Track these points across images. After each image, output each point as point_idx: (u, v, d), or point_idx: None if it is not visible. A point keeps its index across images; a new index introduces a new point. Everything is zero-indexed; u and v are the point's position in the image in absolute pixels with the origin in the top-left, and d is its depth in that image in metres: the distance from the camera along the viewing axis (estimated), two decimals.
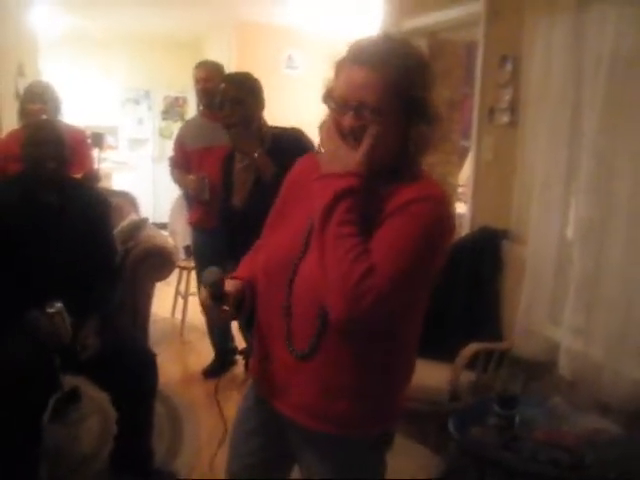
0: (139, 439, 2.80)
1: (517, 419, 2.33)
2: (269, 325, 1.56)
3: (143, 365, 2.74)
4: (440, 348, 2.91)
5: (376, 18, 4.91)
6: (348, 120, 1.40)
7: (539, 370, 2.92)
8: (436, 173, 4.74)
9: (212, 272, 1.55)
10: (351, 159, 1.39)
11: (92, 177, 3.93)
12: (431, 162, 4.73)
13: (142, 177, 8.82)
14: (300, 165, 1.67)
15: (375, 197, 1.41)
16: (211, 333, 4.23)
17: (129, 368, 2.67)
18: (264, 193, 2.89)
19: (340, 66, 1.45)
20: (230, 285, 1.58)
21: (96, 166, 5.08)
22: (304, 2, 6.18)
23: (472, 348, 2.89)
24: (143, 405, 2.75)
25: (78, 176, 3.78)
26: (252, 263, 1.68)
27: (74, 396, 3.46)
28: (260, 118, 3.22)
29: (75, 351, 2.64)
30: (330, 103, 1.46)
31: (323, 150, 1.46)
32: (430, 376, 2.85)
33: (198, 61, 4.26)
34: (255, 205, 3.02)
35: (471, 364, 2.91)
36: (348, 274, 1.29)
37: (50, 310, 2.57)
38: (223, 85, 3.21)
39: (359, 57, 1.39)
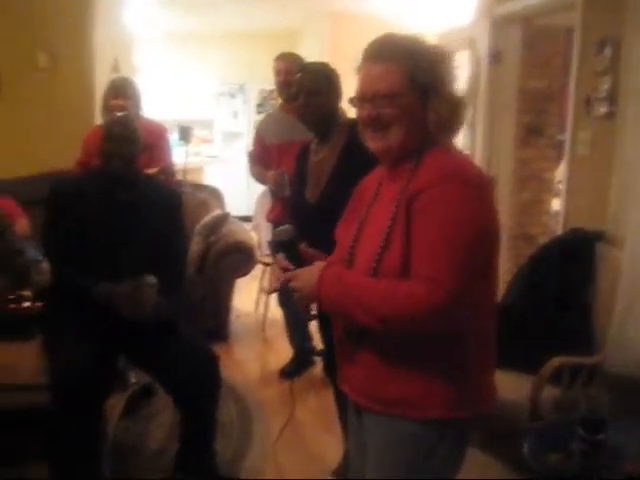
0: (201, 442, 2.74)
1: (604, 446, 2.08)
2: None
3: (204, 368, 2.67)
4: (521, 358, 2.70)
5: (469, 5, 4.66)
6: (365, 111, 1.54)
7: (633, 389, 2.63)
8: (530, 168, 4.46)
9: (286, 229, 1.59)
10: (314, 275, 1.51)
11: (168, 171, 3.91)
12: (524, 157, 4.51)
13: (236, 170, 8.86)
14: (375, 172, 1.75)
15: (400, 174, 1.54)
16: (290, 332, 4.14)
17: (190, 370, 2.61)
18: (339, 188, 2.76)
19: (359, 68, 1.58)
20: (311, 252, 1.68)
21: (183, 160, 5.13)
22: None
23: (557, 361, 2.64)
24: (204, 408, 2.69)
25: (154, 170, 3.78)
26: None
27: (148, 391, 3.46)
28: (337, 109, 3.09)
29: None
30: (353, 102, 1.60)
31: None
32: (508, 389, 2.61)
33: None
34: (329, 200, 2.89)
35: (556, 378, 2.66)
36: (411, 308, 1.38)
37: (148, 281, 2.60)
38: (299, 75, 3.11)
39: (371, 55, 1.54)
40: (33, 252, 3.26)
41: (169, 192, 3.05)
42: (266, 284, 5.05)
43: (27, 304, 2.97)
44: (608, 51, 3.06)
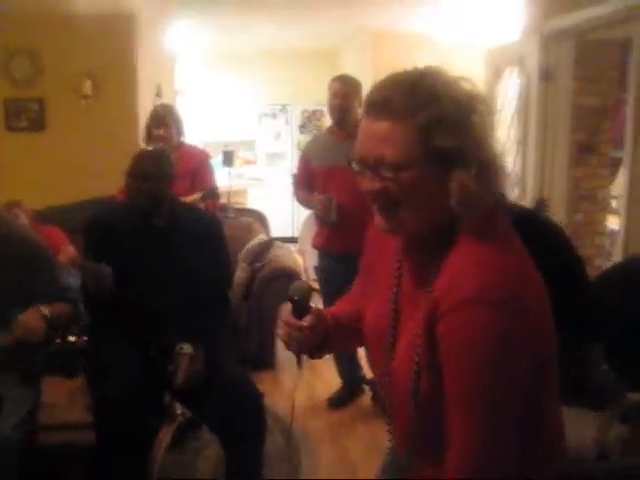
0: (246, 479, 2.66)
1: None
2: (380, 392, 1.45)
3: (249, 407, 2.59)
4: (584, 394, 2.54)
5: (517, 21, 4.53)
6: (367, 181, 1.17)
7: None
8: (583, 188, 4.30)
9: (300, 284, 1.48)
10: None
11: (211, 195, 3.88)
12: (578, 176, 4.34)
13: (279, 192, 8.85)
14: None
15: (428, 273, 1.19)
16: (338, 360, 4.04)
17: (234, 409, 2.53)
18: None
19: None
20: (315, 309, 1.47)
21: (227, 183, 5.12)
22: (440, 10, 5.90)
23: (626, 400, 2.47)
24: (249, 447, 2.60)
25: (197, 195, 3.76)
26: (342, 308, 1.57)
27: (194, 423, 3.40)
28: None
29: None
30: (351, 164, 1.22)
31: None
32: (571, 427, 2.47)
33: (336, 73, 4.05)
34: None
35: (623, 415, 2.50)
36: None
37: (183, 352, 2.56)
38: None
39: (373, 105, 1.15)
40: (77, 283, 3.25)
41: (205, 217, 3.00)
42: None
43: (72, 339, 2.94)
44: None
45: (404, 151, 1.12)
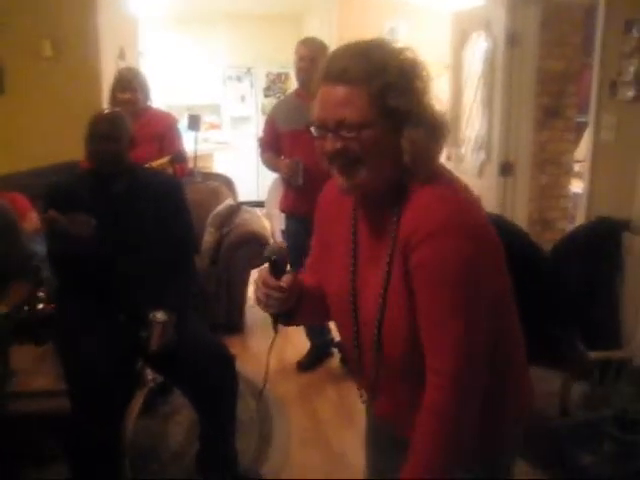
0: (220, 442, 2.69)
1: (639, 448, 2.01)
2: (347, 352, 1.55)
3: (220, 370, 2.61)
4: (547, 353, 2.61)
5: None
6: (328, 144, 1.29)
7: None
8: (548, 152, 4.36)
9: (276, 245, 1.50)
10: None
11: (179, 159, 3.87)
12: (543, 140, 4.38)
13: (245, 155, 8.78)
14: (328, 190, 1.57)
15: (386, 222, 1.33)
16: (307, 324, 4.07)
17: (205, 371, 2.56)
18: None
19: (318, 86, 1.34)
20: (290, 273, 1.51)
21: (193, 147, 5.06)
22: None
23: (589, 357, 2.55)
24: (222, 410, 2.63)
25: (165, 159, 3.74)
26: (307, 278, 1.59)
27: (165, 389, 3.41)
28: None
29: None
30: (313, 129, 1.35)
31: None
32: (535, 385, 2.55)
33: (301, 36, 4.03)
34: None
35: (585, 374, 2.58)
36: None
37: (156, 320, 2.57)
38: None
39: (331, 73, 1.28)
40: (43, 249, 3.21)
41: (166, 181, 2.97)
42: None
43: (41, 306, 2.91)
44: (635, 32, 2.94)
45: (363, 112, 1.25)
